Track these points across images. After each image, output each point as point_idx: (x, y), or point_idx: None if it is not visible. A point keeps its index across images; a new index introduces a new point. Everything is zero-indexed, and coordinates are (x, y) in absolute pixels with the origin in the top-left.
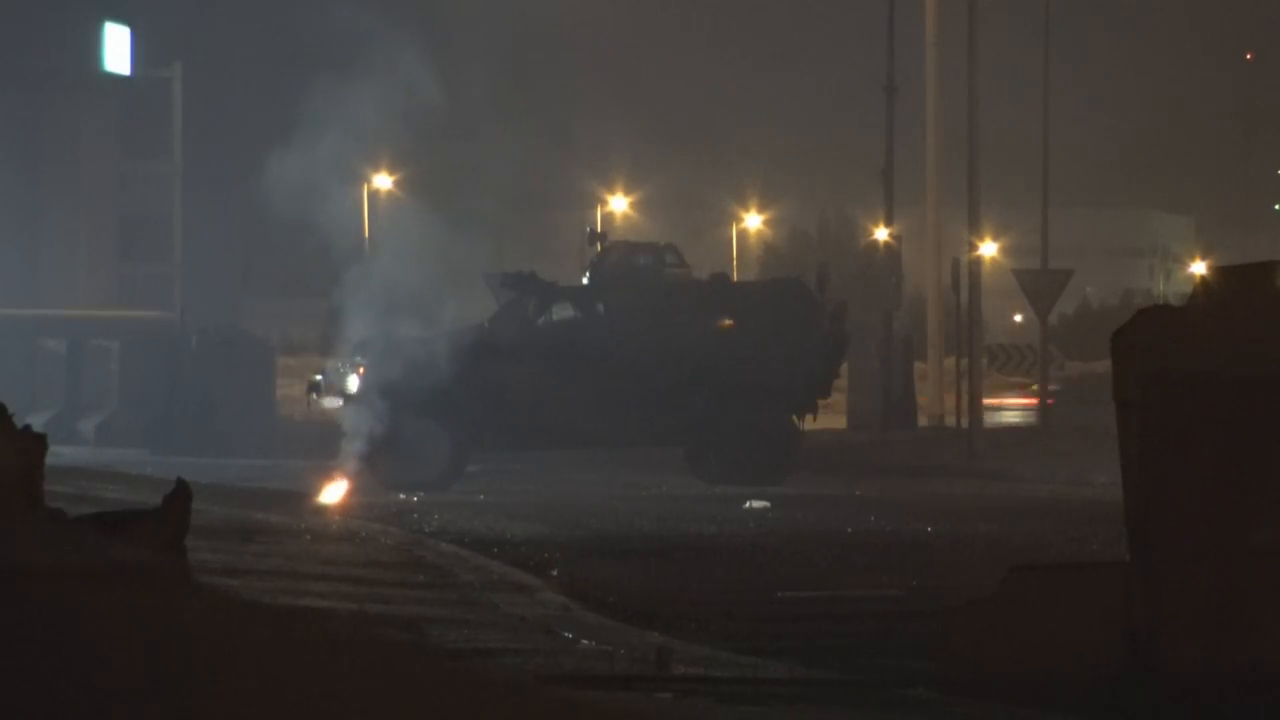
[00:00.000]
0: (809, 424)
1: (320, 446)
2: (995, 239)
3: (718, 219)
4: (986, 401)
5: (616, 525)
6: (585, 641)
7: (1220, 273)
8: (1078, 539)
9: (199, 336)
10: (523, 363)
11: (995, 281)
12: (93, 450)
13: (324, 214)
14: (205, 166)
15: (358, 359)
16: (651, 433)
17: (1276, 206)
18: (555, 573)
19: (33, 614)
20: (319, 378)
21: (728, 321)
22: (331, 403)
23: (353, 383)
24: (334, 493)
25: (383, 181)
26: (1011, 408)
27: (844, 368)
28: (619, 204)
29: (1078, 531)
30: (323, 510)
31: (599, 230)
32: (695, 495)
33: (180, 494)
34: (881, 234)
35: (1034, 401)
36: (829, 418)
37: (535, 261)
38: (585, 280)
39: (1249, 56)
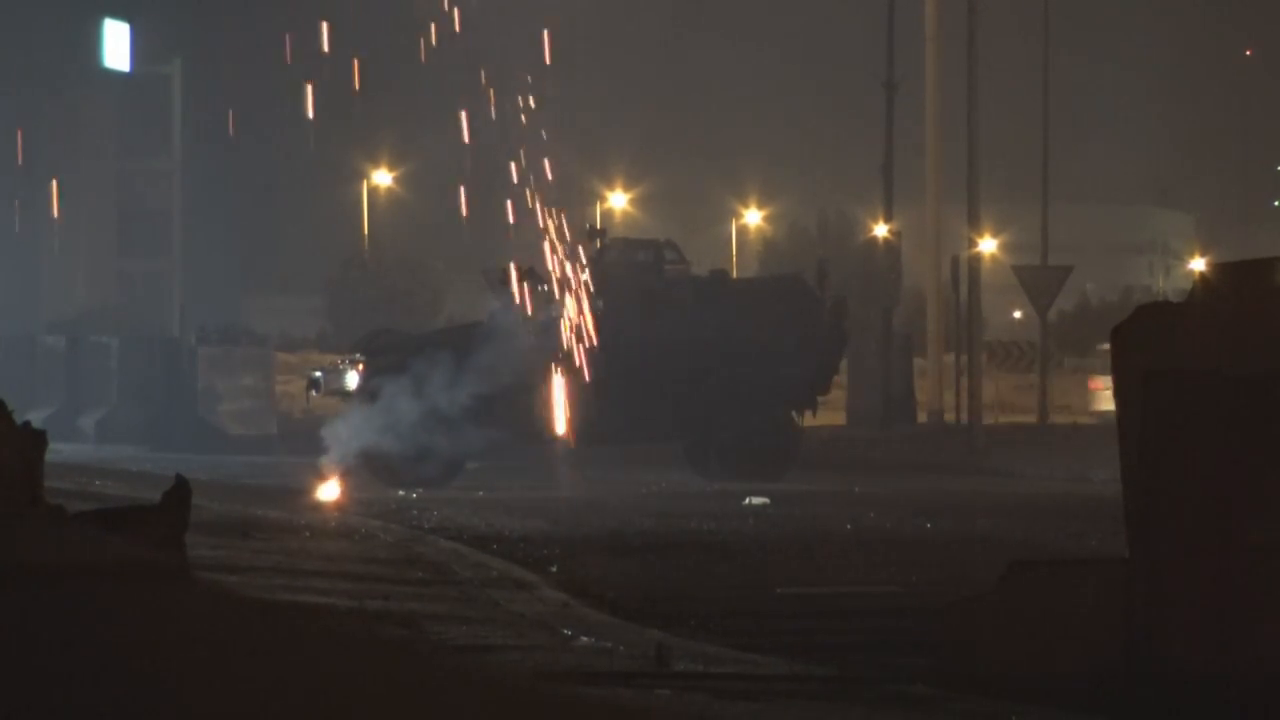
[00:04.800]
0: (808, 420)
1: (319, 443)
2: (995, 235)
3: (717, 216)
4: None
5: (616, 522)
6: (584, 638)
7: (1220, 269)
8: (1077, 535)
9: (198, 333)
10: (521, 359)
11: (995, 278)
12: (92, 447)
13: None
14: (204, 163)
15: (357, 355)
16: (650, 429)
17: (1276, 203)
18: (554, 569)
19: (32, 610)
20: (318, 374)
21: (730, 317)
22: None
23: (352, 379)
24: (333, 489)
25: (382, 178)
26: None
27: (843, 364)
28: (618, 200)
29: (1077, 528)
30: (321, 507)
31: (598, 226)
32: (694, 492)
33: (179, 490)
34: (881, 230)
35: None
36: (828, 414)
37: (534, 258)
38: (584, 277)
39: (1248, 53)
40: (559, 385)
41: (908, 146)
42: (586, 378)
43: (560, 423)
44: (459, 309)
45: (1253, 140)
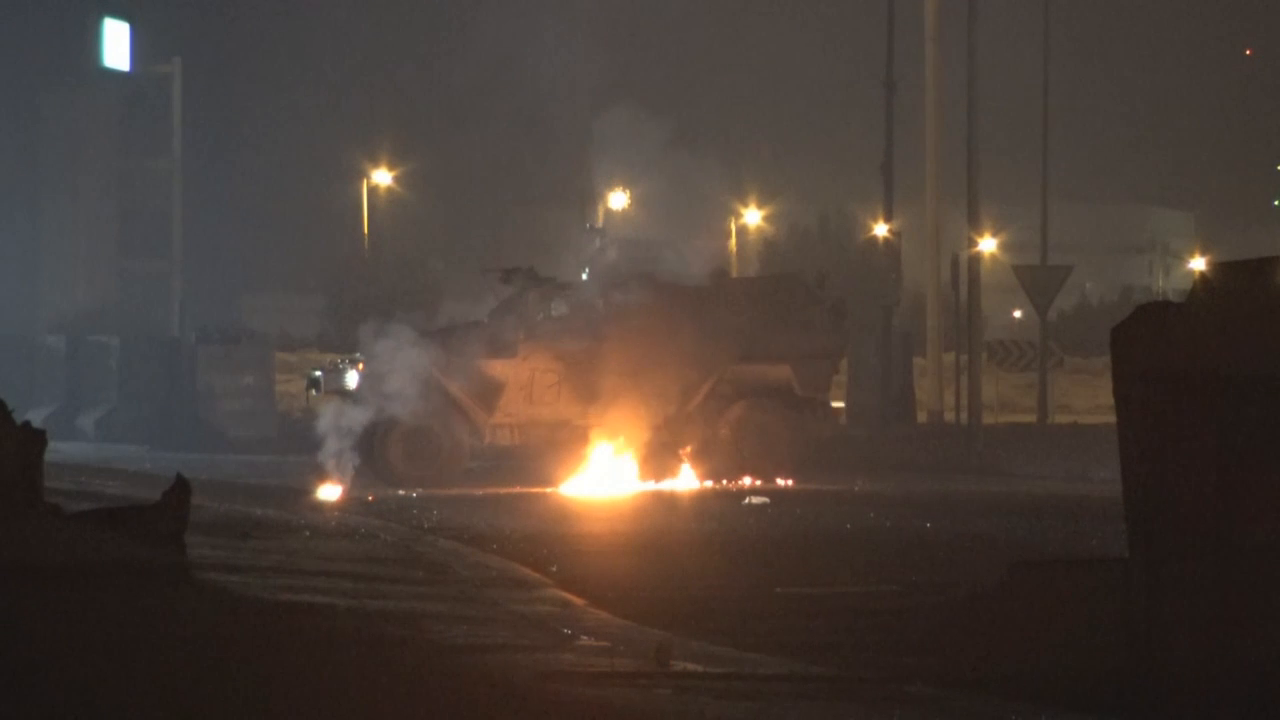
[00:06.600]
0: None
1: (320, 442)
2: (995, 235)
3: (717, 215)
4: None
5: (615, 521)
6: (584, 638)
7: (1220, 269)
8: (1077, 535)
9: (198, 333)
10: (521, 358)
11: (995, 277)
12: (92, 446)
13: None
14: (205, 162)
15: (357, 355)
16: (650, 429)
17: (1276, 202)
18: (554, 569)
19: (32, 609)
20: (318, 373)
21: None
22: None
23: (352, 379)
24: (333, 489)
25: (382, 177)
26: None
27: (843, 363)
28: (618, 200)
29: (1077, 527)
30: (322, 506)
31: (599, 225)
32: (694, 491)
33: (179, 489)
34: (881, 230)
35: None
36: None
37: (534, 257)
38: (584, 276)
39: (1248, 52)
40: (559, 383)
41: (908, 146)
42: (586, 376)
43: (560, 421)
44: (458, 309)
45: (1253, 140)
